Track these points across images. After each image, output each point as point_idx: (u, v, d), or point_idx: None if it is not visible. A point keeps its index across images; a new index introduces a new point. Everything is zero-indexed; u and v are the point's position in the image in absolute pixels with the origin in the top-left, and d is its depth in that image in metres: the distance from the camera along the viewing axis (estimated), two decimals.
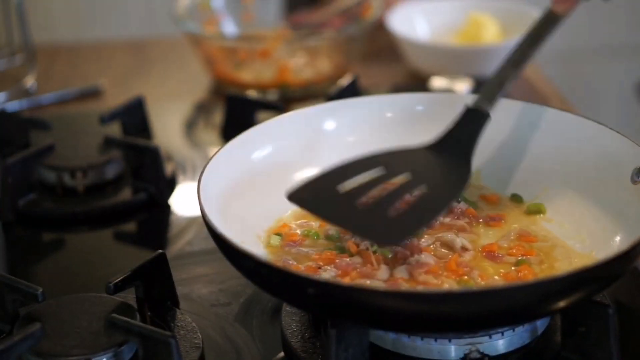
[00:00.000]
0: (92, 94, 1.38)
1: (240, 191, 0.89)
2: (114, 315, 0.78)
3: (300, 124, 0.96)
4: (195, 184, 0.83)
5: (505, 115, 0.94)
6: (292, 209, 0.89)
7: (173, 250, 0.99)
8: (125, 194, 1.08)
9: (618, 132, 0.88)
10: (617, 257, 0.72)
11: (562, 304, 0.73)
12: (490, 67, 1.34)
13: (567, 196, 0.90)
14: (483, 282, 0.79)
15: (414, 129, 0.95)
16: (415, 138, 0.91)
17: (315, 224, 0.89)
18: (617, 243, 0.83)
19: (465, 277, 0.79)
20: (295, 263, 0.83)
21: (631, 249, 0.73)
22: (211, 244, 0.97)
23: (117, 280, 0.82)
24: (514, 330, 0.77)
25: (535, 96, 1.34)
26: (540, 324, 0.79)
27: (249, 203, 0.89)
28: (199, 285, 0.92)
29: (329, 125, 0.97)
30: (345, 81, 1.22)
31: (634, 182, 0.84)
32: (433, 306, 0.70)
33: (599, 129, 0.90)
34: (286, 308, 0.84)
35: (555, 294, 0.71)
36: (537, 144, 0.94)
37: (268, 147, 0.94)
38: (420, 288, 0.77)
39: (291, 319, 0.83)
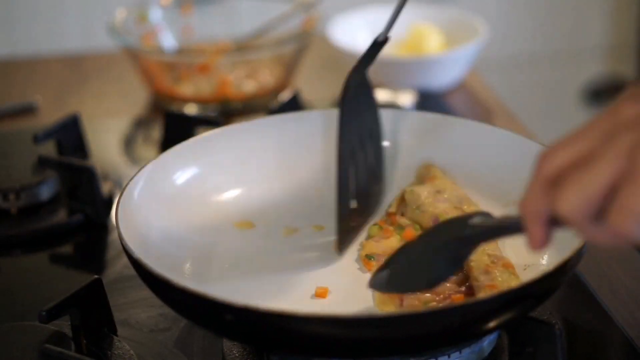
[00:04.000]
0: (26, 111, 1.34)
1: (166, 212, 0.87)
2: (47, 345, 0.76)
3: (225, 141, 0.94)
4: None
5: (437, 130, 0.94)
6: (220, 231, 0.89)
7: (111, 273, 0.96)
8: (61, 216, 1.05)
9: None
10: (541, 278, 0.71)
11: (490, 325, 0.72)
12: (434, 79, 1.33)
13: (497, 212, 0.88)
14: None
15: None
16: None
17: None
18: (545, 261, 0.81)
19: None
20: None
21: (554, 271, 0.71)
22: None
23: (50, 308, 0.79)
24: (460, 352, 0.76)
25: (478, 107, 1.33)
26: (487, 345, 0.78)
27: (174, 224, 0.87)
28: (138, 310, 0.89)
29: (257, 142, 0.95)
30: (286, 96, 1.20)
31: None
32: (353, 331, 0.69)
33: (528, 144, 0.89)
34: None
35: (481, 316, 0.70)
36: (467, 160, 0.93)
37: (192, 166, 0.92)
38: (339, 313, 0.75)
39: (233, 344, 0.81)
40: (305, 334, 0.70)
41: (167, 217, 0.87)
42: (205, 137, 0.94)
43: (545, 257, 0.81)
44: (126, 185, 0.84)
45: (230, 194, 0.93)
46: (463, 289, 0.79)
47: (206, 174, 0.92)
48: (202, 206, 0.90)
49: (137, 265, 0.75)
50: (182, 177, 0.91)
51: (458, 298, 0.79)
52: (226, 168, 0.93)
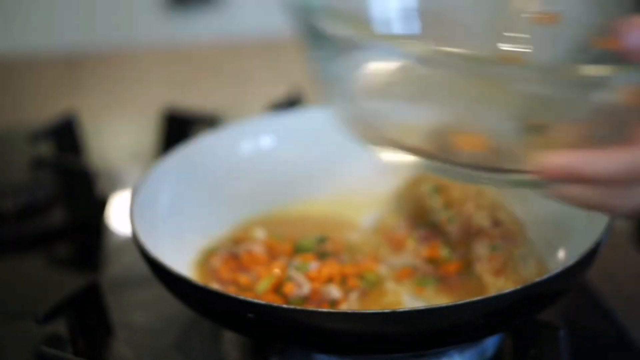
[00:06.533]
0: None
1: (176, 209, 0.87)
2: (43, 347, 0.75)
3: (236, 139, 0.94)
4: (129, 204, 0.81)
5: None
6: (231, 226, 0.88)
7: (108, 274, 0.95)
8: (57, 217, 1.04)
9: None
10: (561, 273, 0.70)
11: (505, 322, 0.71)
12: None
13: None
14: None
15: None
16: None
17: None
18: (562, 256, 0.81)
19: None
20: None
21: (575, 265, 0.71)
22: (148, 267, 0.94)
23: (47, 310, 0.78)
24: (463, 354, 0.75)
25: None
26: (490, 347, 0.77)
27: (185, 222, 0.87)
28: (135, 311, 0.88)
29: (266, 140, 0.95)
30: (285, 95, 1.19)
31: None
32: (380, 326, 0.68)
33: None
34: (226, 335, 0.82)
35: (497, 312, 0.70)
36: None
37: (203, 163, 0.91)
38: (364, 309, 0.76)
39: (232, 347, 0.81)
40: (327, 331, 0.69)
41: (183, 212, 0.87)
42: (217, 134, 0.94)
43: (561, 252, 0.80)
44: (138, 183, 0.84)
45: (245, 189, 0.92)
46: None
47: (218, 169, 0.92)
48: (215, 200, 0.90)
49: (154, 265, 0.75)
50: (195, 172, 0.90)
51: (454, 266, 0.80)
52: (239, 164, 0.93)
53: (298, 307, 0.73)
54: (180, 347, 0.83)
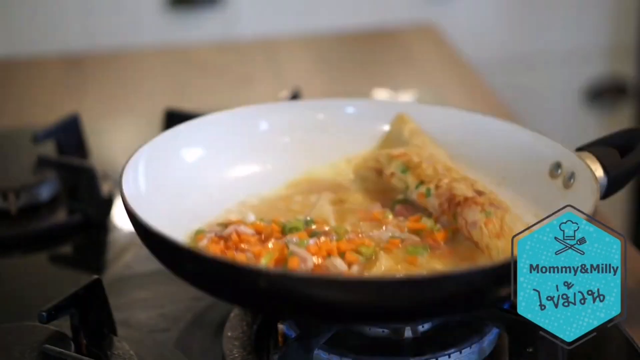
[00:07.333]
0: None
1: (167, 189, 0.87)
2: (47, 345, 0.76)
3: (232, 123, 0.94)
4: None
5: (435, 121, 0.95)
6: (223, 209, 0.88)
7: (110, 273, 0.96)
8: (61, 216, 1.05)
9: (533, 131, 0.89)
10: None
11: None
12: None
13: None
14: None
15: (345, 130, 0.96)
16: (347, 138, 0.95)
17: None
18: None
19: None
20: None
21: None
22: (150, 266, 0.95)
23: (50, 308, 0.79)
24: (460, 352, 0.76)
25: (479, 107, 1.33)
26: (488, 345, 0.78)
27: (176, 201, 0.86)
28: (138, 310, 0.89)
29: (263, 126, 0.96)
30: (285, 95, 1.20)
31: (553, 176, 0.84)
32: (398, 292, 0.68)
33: (513, 128, 0.90)
34: (227, 333, 0.82)
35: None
36: (455, 147, 0.93)
37: (197, 145, 0.92)
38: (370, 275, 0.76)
39: (232, 345, 0.81)
40: (340, 299, 0.69)
41: (174, 191, 0.87)
42: (212, 117, 0.94)
43: None
44: (131, 156, 0.84)
45: (238, 171, 0.93)
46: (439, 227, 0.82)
47: (212, 152, 0.92)
48: (207, 181, 0.90)
49: (156, 240, 0.73)
50: (188, 152, 0.90)
51: (441, 235, 0.81)
52: (233, 147, 0.93)
53: (312, 275, 0.72)
54: (182, 345, 0.84)
